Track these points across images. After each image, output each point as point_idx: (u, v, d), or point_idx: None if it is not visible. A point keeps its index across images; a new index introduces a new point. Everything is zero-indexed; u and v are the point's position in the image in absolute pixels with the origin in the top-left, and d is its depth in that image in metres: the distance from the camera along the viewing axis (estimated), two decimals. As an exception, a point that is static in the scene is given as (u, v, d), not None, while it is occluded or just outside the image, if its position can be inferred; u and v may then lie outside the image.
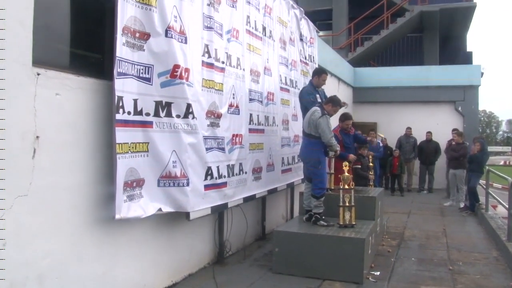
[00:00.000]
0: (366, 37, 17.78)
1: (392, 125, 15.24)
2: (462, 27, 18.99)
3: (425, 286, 5.45)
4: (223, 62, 5.73)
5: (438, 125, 14.71)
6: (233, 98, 6.03)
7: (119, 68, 4.05)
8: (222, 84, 5.70)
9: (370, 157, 9.18)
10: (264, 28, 7.10)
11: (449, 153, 11.99)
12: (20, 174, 3.36)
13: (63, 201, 3.76)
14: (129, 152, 4.23)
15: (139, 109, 4.35)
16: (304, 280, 5.49)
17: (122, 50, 4.09)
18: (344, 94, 13.88)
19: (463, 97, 15.27)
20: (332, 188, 7.12)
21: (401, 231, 8.54)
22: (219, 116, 5.61)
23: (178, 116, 4.74)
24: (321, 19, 18.72)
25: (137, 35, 4.29)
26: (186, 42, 4.85)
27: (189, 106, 4.86)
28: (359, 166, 8.74)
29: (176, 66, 4.65)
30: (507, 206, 7.66)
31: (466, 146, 11.47)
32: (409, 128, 14.48)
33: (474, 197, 10.67)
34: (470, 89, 15.31)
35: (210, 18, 5.42)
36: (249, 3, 6.58)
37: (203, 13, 5.30)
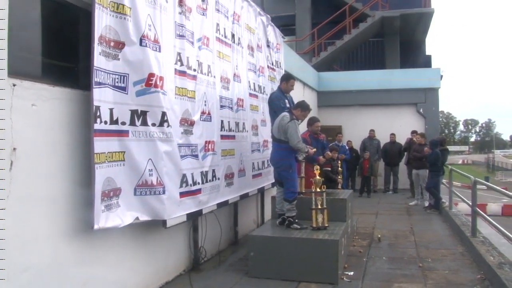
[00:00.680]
0: (329, 42, 18.11)
1: (357, 128, 15.56)
2: (421, 32, 19.60)
3: (398, 283, 5.64)
4: (194, 70, 5.78)
5: (401, 127, 15.11)
6: (205, 105, 6.08)
7: (96, 77, 4.05)
8: (194, 91, 5.75)
9: (340, 161, 9.36)
10: (233, 35, 7.18)
11: (412, 154, 12.37)
12: (-3, 187, 3.32)
13: (41, 213, 3.73)
14: (106, 162, 4.23)
15: (115, 118, 4.36)
16: (281, 283, 5.59)
17: (98, 59, 4.09)
18: (309, 98, 14.07)
19: (424, 99, 15.78)
20: (303, 191, 7.25)
21: (371, 231, 8.76)
22: (192, 123, 5.65)
23: (153, 125, 4.76)
24: (284, 24, 18.89)
25: (112, 44, 4.30)
26: (160, 51, 4.88)
27: (164, 114, 4.88)
28: (329, 169, 8.91)
29: (151, 75, 4.67)
30: (470, 203, 7.98)
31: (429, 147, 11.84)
32: (372, 131, 14.85)
33: (434, 196, 11.09)
34: (430, 92, 15.85)
35: (182, 26, 5.47)
36: (218, 10, 6.65)
37: (175, 21, 5.34)
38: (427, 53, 21.24)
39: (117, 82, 4.39)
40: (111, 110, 4.31)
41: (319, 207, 6.27)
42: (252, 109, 8.07)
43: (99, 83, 4.13)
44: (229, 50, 7.00)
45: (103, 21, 4.18)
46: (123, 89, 4.46)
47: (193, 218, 5.85)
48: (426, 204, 11.59)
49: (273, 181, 8.36)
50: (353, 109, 16.22)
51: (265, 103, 8.47)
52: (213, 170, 6.25)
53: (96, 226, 4.01)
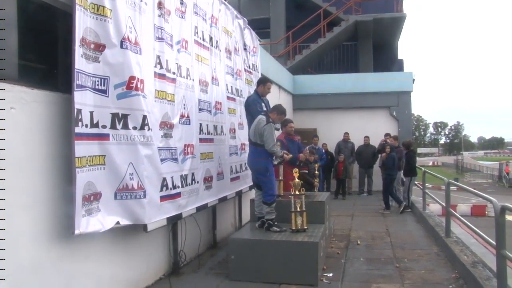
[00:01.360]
0: (304, 45, 18.24)
1: (331, 130, 15.69)
2: (393, 36, 19.92)
3: (376, 284, 5.72)
4: (174, 73, 5.76)
5: (375, 129, 15.30)
6: (184, 108, 6.06)
7: (77, 80, 4.00)
8: (173, 94, 5.72)
9: (317, 165, 9.42)
10: (211, 38, 7.18)
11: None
12: (-24, 193, 3.24)
13: (21, 219, 3.66)
14: (87, 166, 4.17)
15: (95, 121, 4.31)
16: (261, 286, 5.61)
17: (79, 61, 4.03)
18: (284, 101, 14.15)
19: (397, 103, 16.05)
20: (282, 194, 7.29)
21: (347, 233, 8.86)
22: (171, 126, 5.62)
23: (134, 128, 4.72)
24: (258, 27, 18.96)
25: (92, 46, 4.26)
26: (140, 53, 4.85)
27: (144, 117, 4.85)
28: (306, 171, 8.97)
29: (132, 78, 4.64)
30: (444, 204, 8.15)
31: (402, 150, 12.07)
32: (346, 133, 15.04)
33: (393, 198, 11.64)
34: (403, 95, 16.13)
35: (161, 29, 5.44)
36: (197, 13, 6.64)
37: (154, 24, 5.31)
38: (399, 57, 21.64)
39: (98, 85, 4.34)
40: (91, 113, 4.26)
41: (298, 209, 6.30)
42: (230, 112, 8.08)
43: (80, 86, 4.08)
44: (207, 53, 6.99)
45: (83, 23, 4.13)
46: (104, 92, 4.42)
47: (173, 222, 5.81)
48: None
49: (251, 184, 8.38)
50: (328, 112, 16.36)
51: (242, 106, 8.50)
52: (192, 174, 6.22)
53: (77, 231, 3.95)
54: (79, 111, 4.06)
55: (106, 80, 4.43)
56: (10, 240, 3.51)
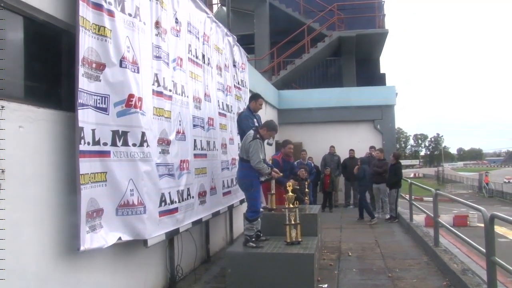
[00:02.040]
0: (288, 60, 18.51)
1: (317, 144, 15.92)
2: (376, 51, 20.38)
3: (371, 294, 5.86)
4: (170, 90, 5.87)
5: (360, 142, 15.60)
6: (180, 125, 6.17)
7: (80, 99, 4.09)
8: (170, 111, 5.83)
9: (307, 182, 9.50)
10: (203, 56, 7.32)
11: (372, 169, 12.79)
12: (-13, 210, 3.30)
13: (28, 236, 3.71)
14: (90, 183, 4.24)
15: (96, 139, 4.38)
16: (259, 298, 5.68)
17: (82, 81, 4.12)
18: (270, 116, 14.34)
19: (381, 116, 16.39)
20: (274, 208, 7.41)
21: (338, 245, 9.00)
22: (168, 143, 5.72)
23: (134, 145, 4.81)
24: (243, 43, 19.19)
25: (94, 65, 4.34)
26: (138, 72, 4.95)
27: (143, 134, 4.95)
28: (298, 187, 9.05)
29: (131, 96, 4.74)
30: (432, 215, 8.36)
31: (388, 162, 12.32)
32: (332, 147, 15.28)
33: (366, 209, 12.05)
34: (387, 109, 16.50)
35: (158, 47, 5.56)
36: (190, 32, 6.78)
37: (152, 43, 5.43)
38: (381, 71, 22.06)
39: (99, 103, 4.42)
40: (93, 131, 4.33)
41: (293, 222, 6.42)
42: (222, 128, 8.20)
43: (82, 104, 4.16)
44: (200, 70, 7.13)
45: (85, 43, 4.23)
46: (105, 110, 4.50)
47: (171, 236, 5.88)
48: (387, 217, 12.02)
49: (242, 198, 8.52)
50: (313, 126, 16.64)
51: (232, 122, 8.66)
52: (188, 189, 6.31)
53: (82, 248, 4.00)
54: (82, 129, 4.15)
55: (106, 98, 4.51)
56: (17, 255, 3.57)
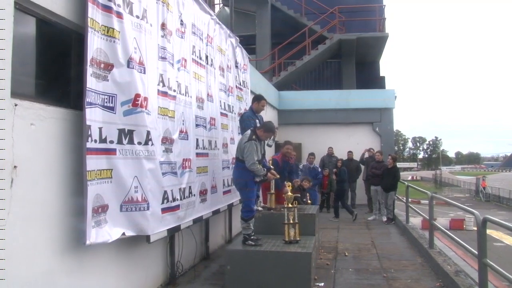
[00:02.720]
0: (289, 61, 18.67)
1: (316, 145, 16.03)
2: (376, 54, 20.57)
3: (366, 293, 6.01)
4: (174, 91, 6.02)
5: (358, 144, 15.76)
6: (183, 124, 6.31)
7: (88, 98, 4.23)
8: (174, 111, 5.97)
9: (308, 197, 9.57)
10: (206, 57, 7.47)
11: (370, 171, 12.98)
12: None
13: (37, 230, 3.85)
14: (96, 179, 4.38)
15: (103, 137, 4.52)
16: (257, 295, 5.83)
17: (90, 80, 4.27)
18: (270, 116, 14.48)
19: (379, 119, 16.57)
20: (273, 207, 7.56)
21: (334, 245, 9.16)
22: (172, 142, 5.86)
23: (139, 143, 4.95)
24: (244, 44, 19.34)
25: (102, 66, 4.49)
26: (145, 72, 5.10)
27: (148, 133, 5.09)
28: (299, 195, 9.10)
29: (137, 95, 4.88)
30: (426, 217, 8.51)
31: (386, 164, 12.48)
32: (330, 148, 15.39)
33: (347, 209, 12.83)
34: (385, 111, 16.68)
35: (164, 49, 5.71)
36: (194, 33, 6.93)
37: (158, 44, 5.57)
38: (381, 74, 22.22)
39: (106, 102, 4.56)
40: (100, 129, 4.47)
41: (291, 221, 6.56)
42: (223, 127, 8.35)
43: (90, 103, 4.30)
44: (203, 71, 7.27)
45: (94, 44, 4.37)
46: (112, 109, 4.64)
47: (172, 233, 6.02)
48: (384, 219, 12.18)
49: (241, 197, 8.64)
50: (312, 127, 16.79)
51: (233, 122, 8.81)
52: (190, 187, 6.45)
53: (88, 242, 4.15)
54: (89, 127, 4.29)
55: (113, 98, 4.66)
56: (27, 248, 3.72)
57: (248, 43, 19.63)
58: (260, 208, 7.60)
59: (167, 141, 5.71)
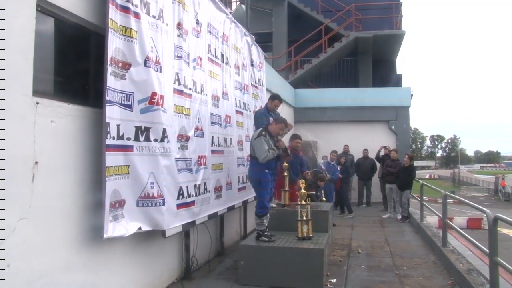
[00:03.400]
0: (305, 59, 18.70)
1: (331, 143, 15.99)
2: (392, 52, 20.45)
3: (378, 289, 6.08)
4: (190, 89, 6.14)
5: (374, 142, 15.69)
6: (198, 122, 6.44)
7: (107, 96, 4.37)
8: (189, 109, 6.10)
9: (323, 194, 9.66)
10: (222, 55, 7.58)
11: (385, 169, 12.99)
12: (21, 198, 3.59)
13: (56, 224, 4.00)
14: (113, 175, 4.52)
15: (121, 134, 4.67)
16: (269, 290, 5.94)
17: (109, 79, 4.41)
18: (286, 114, 14.54)
19: (395, 117, 16.52)
20: (288, 204, 7.65)
21: (348, 242, 9.21)
22: (187, 139, 5.99)
23: (155, 140, 5.09)
24: (261, 41, 19.42)
25: (120, 65, 4.63)
26: (161, 71, 5.22)
27: (164, 130, 5.22)
28: (314, 193, 9.19)
29: (154, 94, 5.01)
30: (441, 216, 8.52)
31: (401, 163, 12.48)
32: (346, 146, 15.44)
33: (346, 206, 13.07)
34: (401, 110, 16.62)
35: (180, 48, 5.83)
36: (210, 32, 7.04)
37: (174, 43, 5.70)
38: (398, 72, 22.11)
39: (124, 100, 4.70)
40: (118, 126, 4.62)
41: (304, 218, 6.66)
42: (238, 125, 8.46)
43: (109, 101, 4.44)
44: (219, 69, 7.39)
45: (113, 44, 4.51)
46: (129, 106, 4.78)
47: (187, 228, 6.16)
48: (399, 217, 12.19)
49: (256, 194, 8.73)
50: (328, 125, 16.80)
51: (249, 120, 8.91)
52: (205, 183, 6.58)
53: (105, 235, 4.30)
54: (108, 124, 4.43)
55: (131, 96, 4.79)
56: (48, 242, 3.88)
57: (264, 40, 19.70)
58: (274, 205, 7.69)
59: (182, 138, 5.83)
